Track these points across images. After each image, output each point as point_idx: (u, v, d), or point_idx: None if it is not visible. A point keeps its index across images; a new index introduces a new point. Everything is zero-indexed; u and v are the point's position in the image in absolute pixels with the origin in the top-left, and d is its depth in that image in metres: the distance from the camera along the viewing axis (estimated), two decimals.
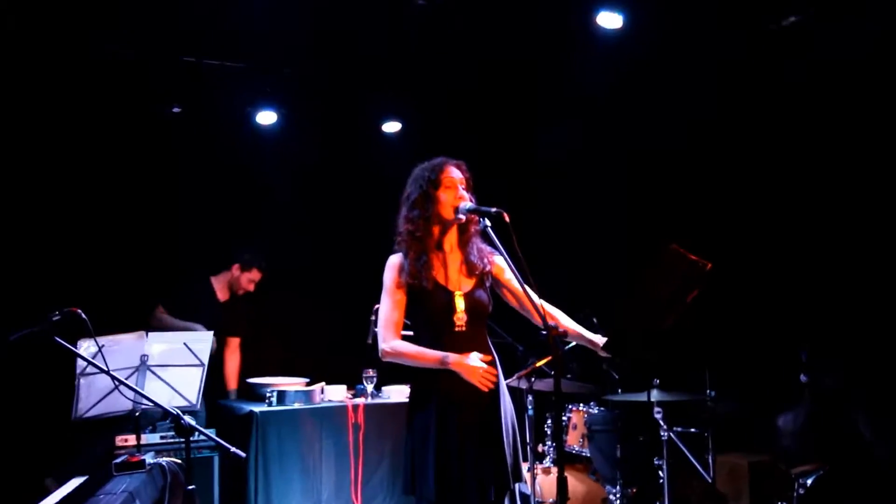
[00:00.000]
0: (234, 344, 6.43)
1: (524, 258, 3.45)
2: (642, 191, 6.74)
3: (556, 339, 3.36)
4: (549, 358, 5.14)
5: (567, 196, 7.05)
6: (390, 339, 3.63)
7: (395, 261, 3.76)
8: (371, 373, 5.84)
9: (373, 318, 5.26)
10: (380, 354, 3.64)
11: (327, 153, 7.09)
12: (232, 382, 6.36)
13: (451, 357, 3.50)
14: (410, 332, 3.82)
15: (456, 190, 3.71)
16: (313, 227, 7.06)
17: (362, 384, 5.92)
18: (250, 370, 6.46)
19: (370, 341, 5.32)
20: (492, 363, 3.67)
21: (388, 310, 3.66)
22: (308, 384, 5.93)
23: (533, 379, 5.36)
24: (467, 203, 3.75)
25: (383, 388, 6.07)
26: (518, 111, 7.11)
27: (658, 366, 5.32)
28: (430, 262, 3.71)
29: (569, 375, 5.62)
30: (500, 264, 3.77)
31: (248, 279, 6.29)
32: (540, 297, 3.48)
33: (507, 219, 3.47)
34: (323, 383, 5.96)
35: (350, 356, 6.07)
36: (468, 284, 3.76)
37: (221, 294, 6.31)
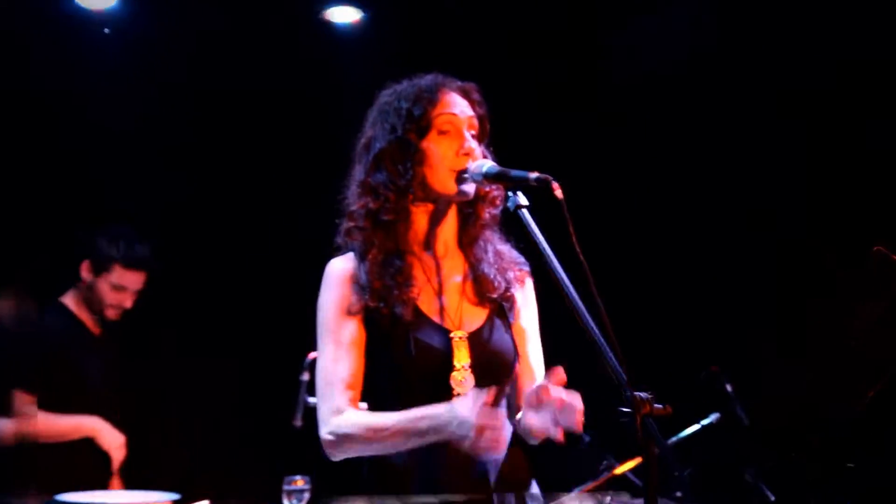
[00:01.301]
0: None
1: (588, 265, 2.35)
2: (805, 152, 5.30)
3: (648, 422, 2.27)
4: (639, 460, 4.06)
5: (663, 153, 5.59)
6: (338, 412, 2.61)
7: (339, 268, 2.72)
8: (299, 483, 4.32)
9: (304, 376, 4.33)
10: (324, 447, 2.65)
11: (217, 66, 5.42)
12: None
13: (460, 409, 2.42)
14: (363, 405, 2.80)
15: (460, 138, 2.68)
16: (197, 204, 5.46)
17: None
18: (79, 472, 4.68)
19: (298, 423, 4.34)
20: (516, 464, 2.66)
21: (331, 359, 2.64)
22: None
23: (608, 499, 4.03)
24: (483, 162, 2.64)
25: None
26: None
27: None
28: (409, 273, 2.69)
29: (677, 493, 4.32)
30: (527, 290, 2.80)
31: (112, 284, 4.66)
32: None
33: (558, 193, 2.42)
34: (206, 502, 4.36)
35: (263, 452, 4.91)
36: (477, 318, 2.74)
37: (91, 324, 4.73)
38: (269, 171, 5.46)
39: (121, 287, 4.60)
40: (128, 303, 4.65)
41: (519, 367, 2.74)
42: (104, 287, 4.60)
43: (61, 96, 5.10)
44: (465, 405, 2.44)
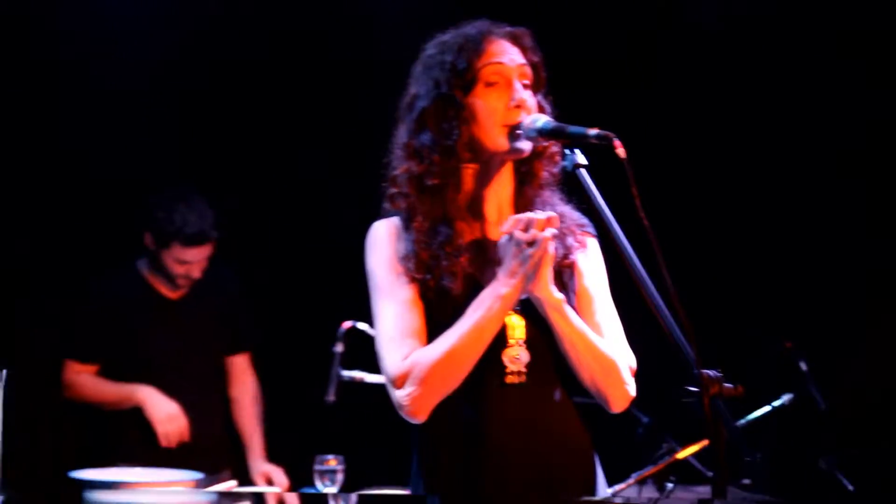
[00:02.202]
0: (239, 366, 5.00)
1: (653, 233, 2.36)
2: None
3: (717, 403, 2.28)
4: (705, 443, 4.02)
5: (733, 107, 5.49)
6: (406, 357, 2.60)
7: (384, 231, 2.72)
8: (333, 463, 4.39)
9: (337, 348, 4.39)
10: (400, 404, 2.60)
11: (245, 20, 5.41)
12: (255, 437, 4.95)
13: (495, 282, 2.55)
14: None
15: (510, 89, 2.64)
16: (222, 166, 5.50)
17: (314, 486, 4.43)
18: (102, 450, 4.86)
19: (331, 398, 4.42)
20: (571, 429, 2.73)
21: (392, 316, 2.65)
22: (201, 483, 4.43)
23: (671, 485, 4.16)
24: (538, 116, 2.62)
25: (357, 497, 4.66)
26: None
27: None
28: (458, 241, 2.68)
29: (745, 480, 4.33)
30: (592, 253, 2.77)
31: (175, 259, 4.75)
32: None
33: (620, 152, 2.42)
34: (233, 483, 4.54)
35: (293, 429, 4.96)
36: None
37: (167, 289, 4.82)
38: (299, 131, 5.45)
39: (183, 261, 4.66)
40: (195, 273, 4.71)
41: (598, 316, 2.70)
42: (168, 260, 4.66)
43: (78, 54, 5.11)
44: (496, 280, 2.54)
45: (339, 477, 4.51)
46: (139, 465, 4.36)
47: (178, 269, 4.71)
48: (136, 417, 4.56)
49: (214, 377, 4.87)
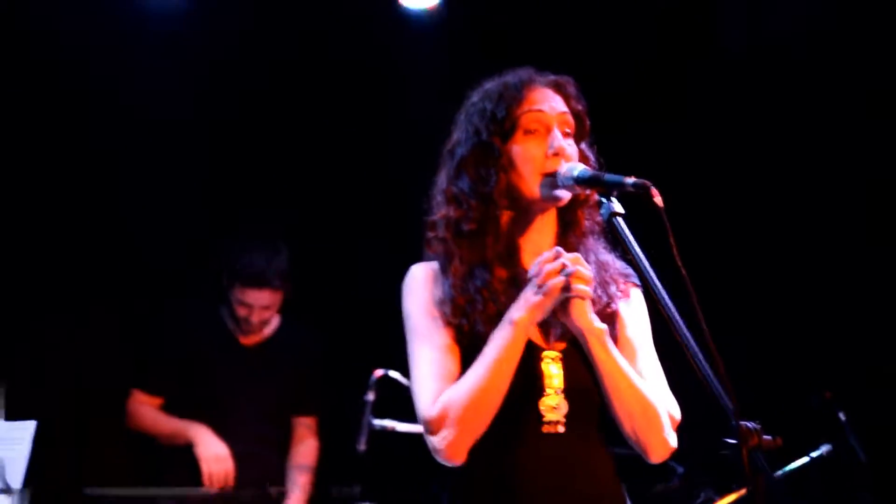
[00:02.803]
0: (304, 427, 4.89)
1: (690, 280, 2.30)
2: None
3: (755, 456, 2.23)
4: (743, 492, 3.93)
5: (772, 156, 5.42)
6: (437, 397, 2.56)
7: (422, 274, 2.70)
8: None
9: (369, 396, 4.37)
10: (435, 448, 2.54)
11: (282, 60, 5.38)
12: (297, 492, 4.77)
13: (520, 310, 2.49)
14: None
15: (549, 137, 2.61)
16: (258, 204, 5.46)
17: None
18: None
19: (362, 447, 4.35)
20: (606, 480, 2.64)
21: (428, 361, 2.60)
22: None
23: None
24: (574, 165, 2.58)
25: None
26: None
27: None
28: (495, 287, 2.64)
29: None
30: (635, 302, 2.71)
31: (237, 300, 4.69)
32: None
33: (658, 200, 2.39)
34: None
35: (325, 477, 4.77)
36: (571, 335, 2.62)
37: (242, 335, 4.76)
38: (332, 179, 5.42)
39: (243, 303, 4.61)
40: (255, 318, 4.65)
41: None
42: (233, 300, 4.64)
43: (114, 70, 5.11)
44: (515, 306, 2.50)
45: None
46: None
47: (240, 312, 4.64)
48: (187, 457, 4.52)
49: (275, 431, 4.77)
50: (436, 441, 2.50)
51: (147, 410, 4.69)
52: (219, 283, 4.72)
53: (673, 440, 2.55)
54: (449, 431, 2.49)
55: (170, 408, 4.68)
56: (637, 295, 2.69)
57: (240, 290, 4.62)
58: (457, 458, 2.51)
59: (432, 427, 2.51)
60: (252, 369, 4.72)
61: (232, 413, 4.66)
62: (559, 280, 2.45)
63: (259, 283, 4.62)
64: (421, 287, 2.66)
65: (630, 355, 2.63)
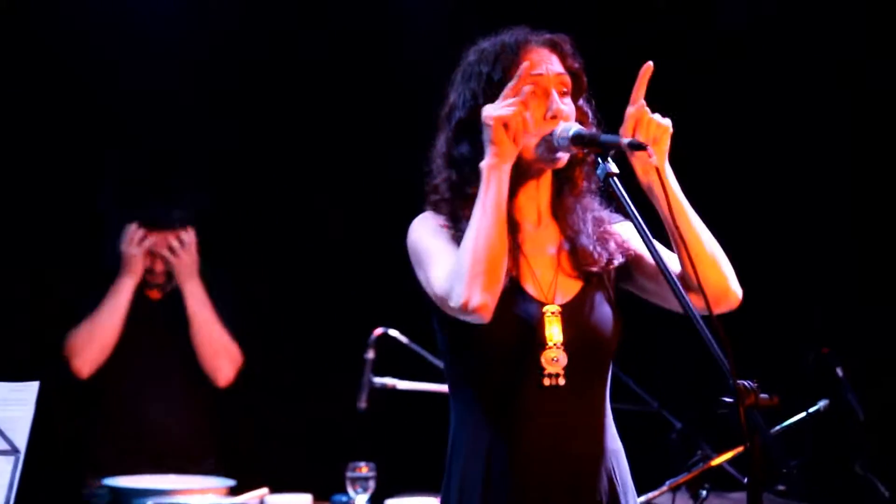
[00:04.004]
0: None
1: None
2: None
3: (752, 414, 2.29)
4: (739, 449, 3.93)
5: (771, 113, 5.44)
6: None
7: (432, 216, 2.74)
8: (364, 470, 4.39)
9: (369, 354, 4.39)
10: (455, 303, 2.54)
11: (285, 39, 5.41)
12: None
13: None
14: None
15: (547, 100, 2.64)
16: (251, 166, 5.48)
17: (345, 494, 4.39)
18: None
19: (363, 405, 4.41)
20: (605, 434, 2.70)
21: (445, 257, 2.63)
22: (232, 491, 4.41)
23: (705, 493, 4.05)
24: (570, 125, 2.60)
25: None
26: None
27: None
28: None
29: (780, 487, 4.29)
30: (628, 231, 2.76)
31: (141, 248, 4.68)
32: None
33: (654, 160, 2.54)
34: (264, 490, 4.47)
35: (325, 436, 4.89)
36: (571, 289, 2.72)
37: (148, 289, 4.75)
38: (327, 140, 5.43)
39: (152, 252, 4.61)
40: (160, 266, 4.65)
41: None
42: (129, 249, 4.60)
43: (109, 39, 5.12)
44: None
45: (371, 484, 4.52)
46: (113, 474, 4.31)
47: (147, 264, 4.63)
48: (109, 429, 4.53)
49: (196, 378, 4.75)
50: (454, 303, 2.51)
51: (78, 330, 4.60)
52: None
53: (740, 291, 2.62)
54: (459, 285, 2.50)
55: (88, 379, 4.62)
56: (626, 226, 2.73)
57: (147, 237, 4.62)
58: (479, 310, 2.51)
59: (447, 293, 2.52)
60: (162, 322, 4.71)
61: (150, 369, 4.65)
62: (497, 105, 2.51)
63: (159, 225, 4.63)
64: (431, 223, 2.68)
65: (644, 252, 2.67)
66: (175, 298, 4.70)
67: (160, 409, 4.63)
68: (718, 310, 2.55)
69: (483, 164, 2.54)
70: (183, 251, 4.57)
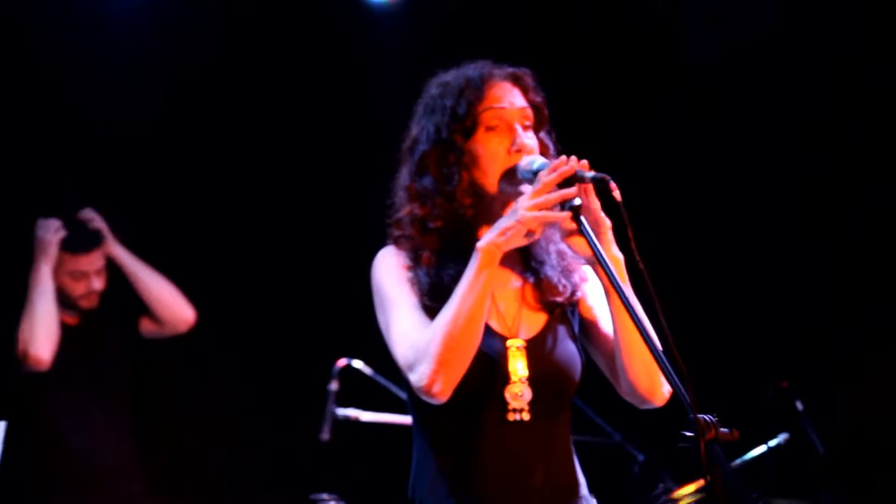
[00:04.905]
0: None
1: (648, 273, 2.32)
2: None
3: (712, 448, 2.26)
4: (701, 483, 3.92)
5: (729, 141, 5.49)
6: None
7: (394, 253, 2.71)
8: (328, 501, 4.34)
9: (332, 386, 4.37)
10: (417, 384, 2.52)
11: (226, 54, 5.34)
12: None
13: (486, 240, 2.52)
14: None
15: (511, 133, 2.63)
16: (218, 197, 5.43)
17: None
18: None
19: (326, 436, 4.37)
20: (567, 468, 2.67)
21: (407, 314, 2.60)
22: None
23: None
24: (533, 158, 2.59)
25: None
26: None
27: None
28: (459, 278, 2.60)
29: None
30: (593, 281, 2.72)
31: (69, 274, 4.60)
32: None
33: (616, 194, 2.44)
34: None
35: (287, 467, 4.82)
36: (536, 323, 2.68)
37: (68, 316, 4.64)
38: (295, 167, 5.41)
39: (79, 273, 4.53)
40: (98, 285, 4.58)
41: (623, 347, 2.61)
42: (64, 280, 4.53)
43: (78, 69, 5.09)
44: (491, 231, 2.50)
45: None
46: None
47: (77, 288, 4.56)
48: (34, 457, 4.43)
49: (125, 399, 4.68)
50: (415, 378, 2.50)
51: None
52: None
53: (668, 392, 2.57)
54: (426, 365, 2.48)
55: (18, 418, 4.48)
56: (591, 274, 2.70)
57: (70, 261, 4.54)
58: (439, 395, 2.50)
59: (410, 364, 2.50)
60: (85, 344, 4.62)
61: (78, 396, 4.55)
62: (531, 202, 2.44)
63: (90, 244, 4.58)
64: (393, 263, 2.65)
65: (605, 321, 2.65)
66: (91, 320, 4.63)
67: (83, 435, 4.54)
68: (644, 405, 2.59)
69: (482, 244, 2.48)
70: (98, 221, 4.56)
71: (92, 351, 4.62)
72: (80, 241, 4.55)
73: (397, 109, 2.85)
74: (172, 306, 4.70)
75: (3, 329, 4.43)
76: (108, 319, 4.68)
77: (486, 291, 2.50)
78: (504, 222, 2.49)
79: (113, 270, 4.70)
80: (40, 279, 4.42)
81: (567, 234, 2.55)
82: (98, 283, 4.58)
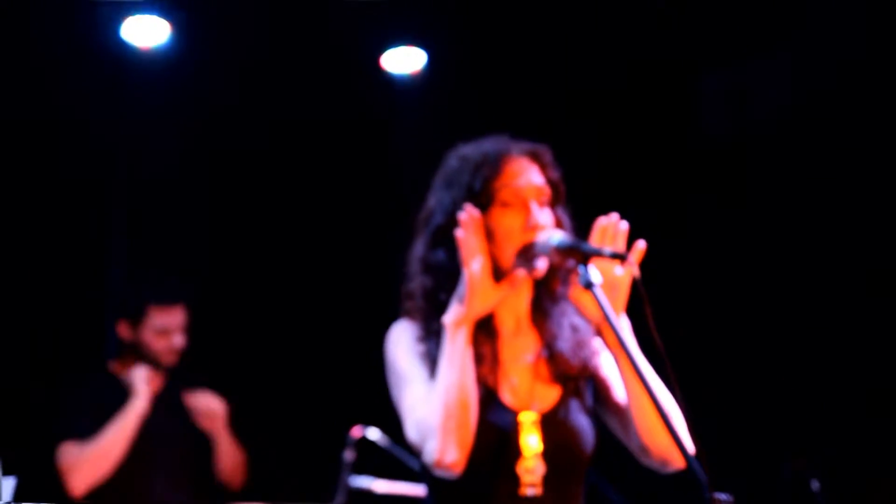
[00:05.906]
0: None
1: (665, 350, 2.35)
2: None
3: None
4: None
5: (740, 224, 5.43)
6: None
7: (408, 328, 2.73)
8: None
9: (347, 455, 4.33)
10: (428, 457, 2.56)
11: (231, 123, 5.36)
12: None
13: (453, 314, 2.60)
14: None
15: (525, 210, 2.66)
16: (239, 265, 5.47)
17: None
18: None
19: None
20: None
21: (420, 393, 2.63)
22: None
23: None
24: (552, 233, 2.62)
25: None
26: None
27: None
28: (476, 351, 2.66)
29: None
30: (606, 355, 2.74)
31: (154, 330, 4.53)
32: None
33: (634, 270, 2.53)
34: None
35: None
36: (549, 397, 2.69)
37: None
38: (313, 242, 5.46)
39: (164, 329, 4.47)
40: (178, 342, 4.52)
41: (637, 422, 2.63)
42: (148, 337, 4.48)
43: (105, 128, 5.16)
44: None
45: None
46: None
47: (160, 345, 4.48)
48: None
49: (191, 469, 4.64)
50: (427, 455, 2.53)
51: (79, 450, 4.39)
52: (114, 342, 4.57)
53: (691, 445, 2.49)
54: (433, 441, 2.51)
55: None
56: (604, 348, 2.72)
57: (156, 316, 4.49)
58: (453, 466, 2.53)
59: (419, 443, 2.55)
60: (157, 416, 4.53)
61: (150, 466, 4.49)
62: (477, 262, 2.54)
63: (177, 297, 4.54)
64: (406, 337, 2.68)
65: (619, 392, 2.66)
66: (173, 384, 4.59)
67: (163, 493, 4.54)
68: (665, 468, 2.59)
69: (447, 320, 2.56)
70: (216, 415, 4.53)
71: (171, 417, 4.60)
72: (168, 293, 4.54)
73: (416, 181, 2.87)
74: (234, 476, 4.75)
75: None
76: (177, 392, 4.63)
77: (464, 360, 2.54)
78: (461, 289, 2.55)
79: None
80: (126, 417, 4.34)
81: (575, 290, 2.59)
82: (179, 341, 4.53)
